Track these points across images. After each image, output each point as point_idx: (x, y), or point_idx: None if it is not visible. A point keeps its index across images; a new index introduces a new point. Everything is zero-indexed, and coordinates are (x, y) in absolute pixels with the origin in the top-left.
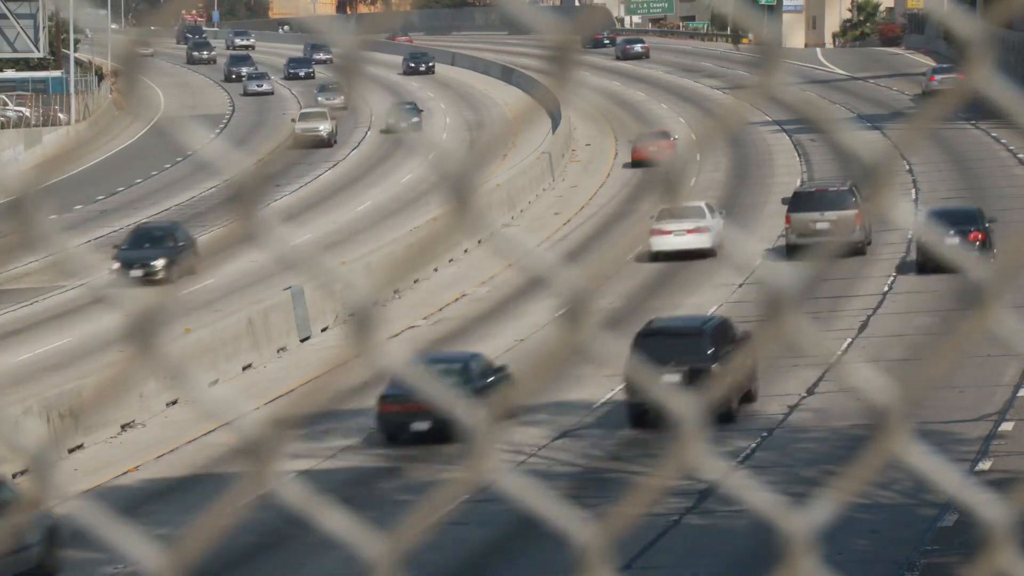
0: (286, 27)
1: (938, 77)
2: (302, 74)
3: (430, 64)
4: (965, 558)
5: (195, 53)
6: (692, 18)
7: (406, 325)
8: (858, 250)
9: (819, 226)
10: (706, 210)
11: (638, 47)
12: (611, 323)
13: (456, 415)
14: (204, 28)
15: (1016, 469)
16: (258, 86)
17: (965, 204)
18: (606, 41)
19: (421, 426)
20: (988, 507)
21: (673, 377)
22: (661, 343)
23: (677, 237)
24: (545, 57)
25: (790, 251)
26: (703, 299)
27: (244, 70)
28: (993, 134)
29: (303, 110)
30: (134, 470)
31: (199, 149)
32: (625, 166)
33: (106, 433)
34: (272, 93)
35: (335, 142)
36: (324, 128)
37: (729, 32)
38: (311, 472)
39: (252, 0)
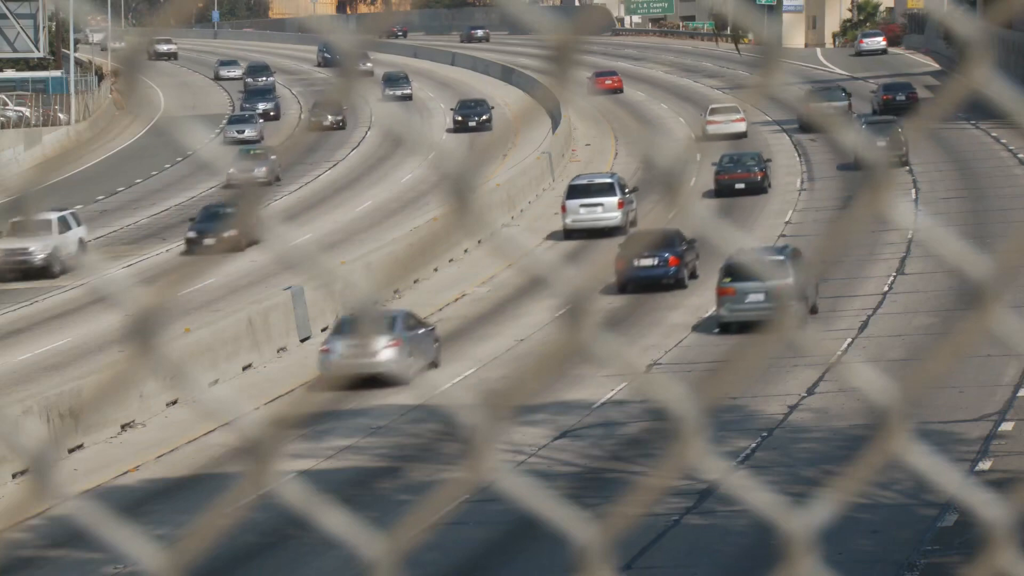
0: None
1: (866, 40)
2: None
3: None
4: (965, 558)
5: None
6: (692, 18)
7: None
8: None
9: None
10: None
11: (479, 32)
12: (611, 323)
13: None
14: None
15: (1016, 469)
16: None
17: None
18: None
19: None
20: (988, 507)
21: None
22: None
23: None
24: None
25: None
26: (703, 299)
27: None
28: (993, 134)
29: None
30: (134, 470)
31: (199, 149)
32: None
33: (106, 433)
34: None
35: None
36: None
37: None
38: (311, 472)
39: (252, 0)
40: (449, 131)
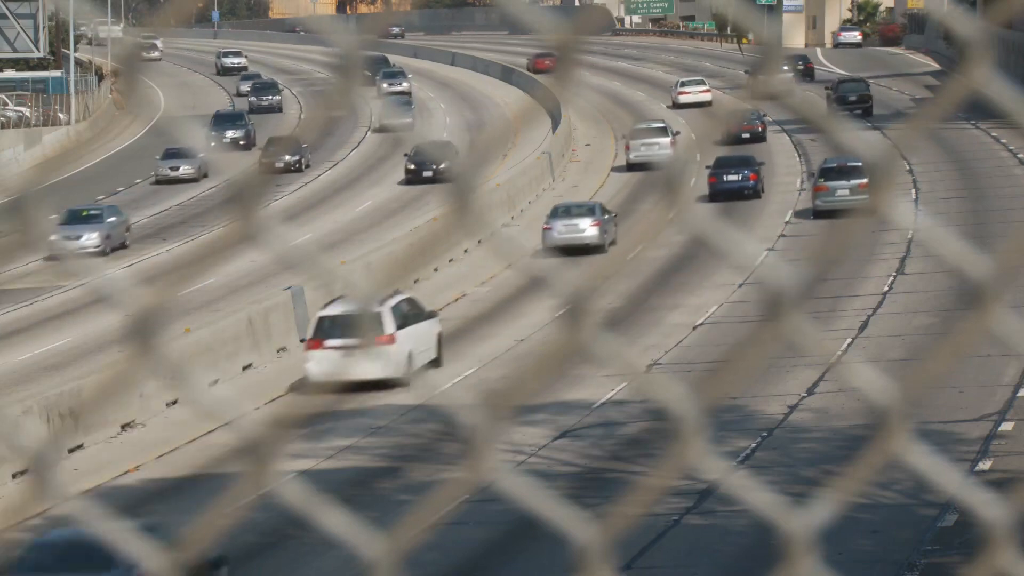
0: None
1: (844, 33)
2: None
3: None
4: (965, 558)
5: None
6: (692, 18)
7: None
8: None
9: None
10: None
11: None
12: (611, 323)
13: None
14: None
15: (1016, 469)
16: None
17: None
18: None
19: None
20: (988, 507)
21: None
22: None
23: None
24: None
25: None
26: (703, 299)
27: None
28: (993, 134)
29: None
30: (134, 470)
31: (199, 149)
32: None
33: (106, 433)
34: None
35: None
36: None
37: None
38: (311, 472)
39: (252, 0)
40: (400, 183)
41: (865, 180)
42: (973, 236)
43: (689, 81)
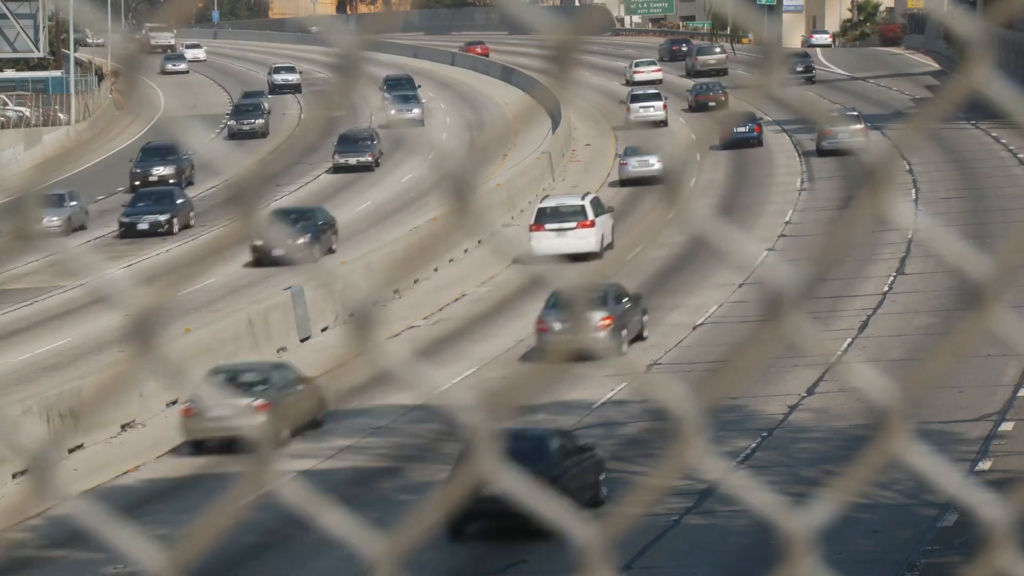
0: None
1: (815, 35)
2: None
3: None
4: (965, 558)
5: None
6: (692, 18)
7: (406, 325)
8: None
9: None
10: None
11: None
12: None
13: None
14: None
15: (1016, 469)
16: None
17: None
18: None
19: None
20: (988, 507)
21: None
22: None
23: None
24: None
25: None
26: (703, 299)
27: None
28: (993, 134)
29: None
30: (134, 470)
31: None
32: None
33: (106, 433)
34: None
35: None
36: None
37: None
38: (311, 472)
39: (252, 0)
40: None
41: (861, 126)
42: (973, 236)
43: (642, 62)
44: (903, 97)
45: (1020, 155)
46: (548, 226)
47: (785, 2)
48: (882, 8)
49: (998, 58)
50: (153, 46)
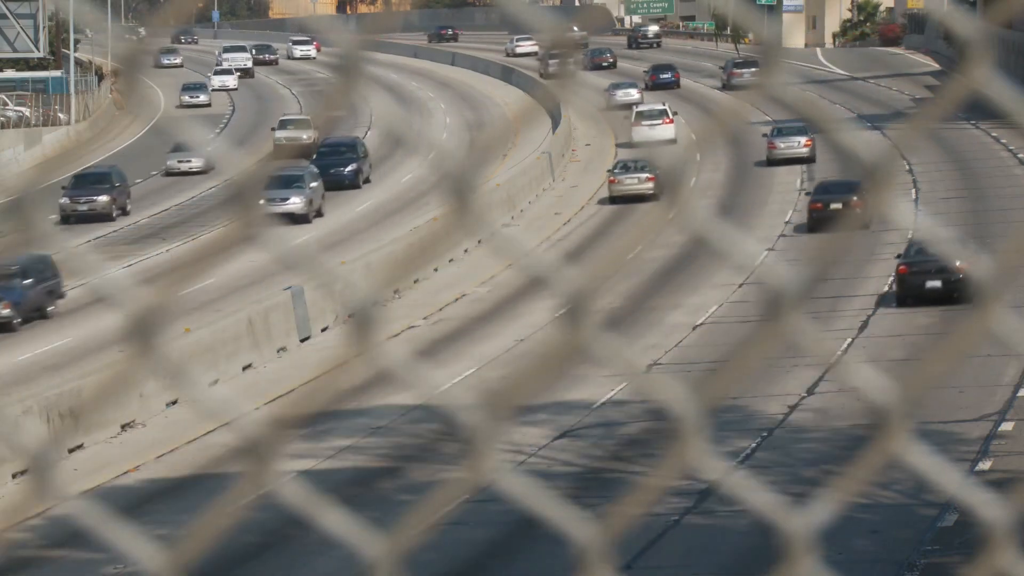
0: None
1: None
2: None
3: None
4: (965, 558)
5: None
6: (692, 18)
7: (406, 325)
8: None
9: None
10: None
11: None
12: (611, 323)
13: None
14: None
15: (1016, 469)
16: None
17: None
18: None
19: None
20: (988, 507)
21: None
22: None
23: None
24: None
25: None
26: (703, 299)
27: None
28: (993, 134)
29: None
30: (134, 470)
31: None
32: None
33: (106, 433)
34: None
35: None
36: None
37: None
38: (311, 472)
39: (252, 0)
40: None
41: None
42: (973, 236)
43: (522, 37)
44: (903, 97)
45: (1020, 155)
46: (644, 123)
47: (785, 2)
48: (882, 8)
49: (998, 58)
50: (152, 47)
